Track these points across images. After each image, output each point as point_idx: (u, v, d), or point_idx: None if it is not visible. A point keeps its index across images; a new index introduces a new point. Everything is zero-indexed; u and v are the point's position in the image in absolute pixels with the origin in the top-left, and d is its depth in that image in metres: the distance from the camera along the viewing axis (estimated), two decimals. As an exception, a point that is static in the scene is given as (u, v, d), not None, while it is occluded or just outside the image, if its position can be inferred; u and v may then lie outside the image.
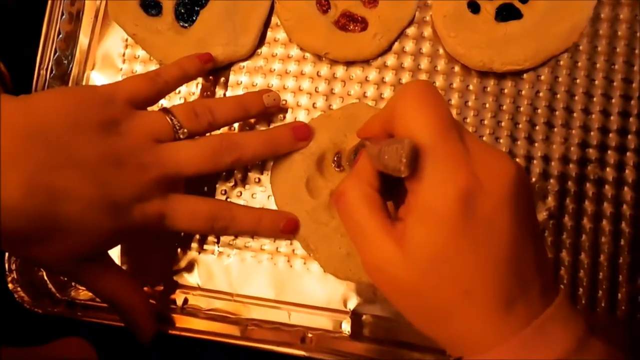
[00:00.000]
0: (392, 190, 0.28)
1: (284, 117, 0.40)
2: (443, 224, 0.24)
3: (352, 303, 0.37)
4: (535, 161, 0.38)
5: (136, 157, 0.32)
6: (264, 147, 0.36)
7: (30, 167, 0.28)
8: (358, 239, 0.27)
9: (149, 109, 0.35)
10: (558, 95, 0.38)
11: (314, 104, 0.40)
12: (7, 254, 0.38)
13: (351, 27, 0.39)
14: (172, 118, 0.33)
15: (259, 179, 0.39)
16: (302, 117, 0.39)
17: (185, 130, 0.33)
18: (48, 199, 0.29)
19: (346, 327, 0.37)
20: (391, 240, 0.25)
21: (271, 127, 0.39)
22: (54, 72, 0.40)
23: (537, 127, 0.38)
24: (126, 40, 0.41)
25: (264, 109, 0.37)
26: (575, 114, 0.38)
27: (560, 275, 0.37)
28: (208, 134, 0.36)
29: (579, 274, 0.37)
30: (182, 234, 0.39)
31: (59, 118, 0.30)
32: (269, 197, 0.39)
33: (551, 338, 0.24)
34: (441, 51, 0.39)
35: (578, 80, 0.38)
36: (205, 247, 0.39)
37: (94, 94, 0.32)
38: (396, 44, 0.39)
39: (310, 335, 0.36)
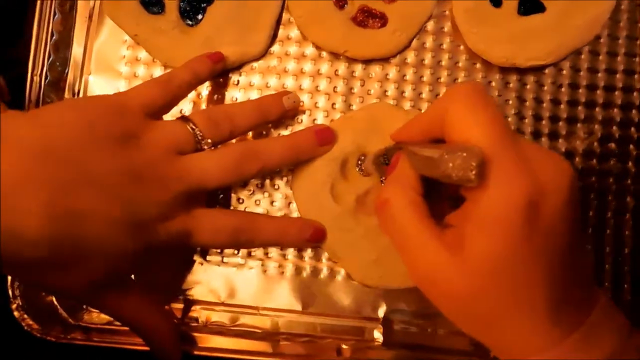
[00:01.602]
0: (428, 194, 0.27)
1: (301, 120, 0.38)
2: (507, 232, 0.23)
3: (382, 310, 0.36)
4: (559, 157, 0.37)
5: (157, 172, 0.29)
6: (287, 153, 0.34)
7: (46, 191, 0.26)
8: (405, 248, 0.26)
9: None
10: (580, 90, 0.38)
11: (333, 104, 0.38)
12: (9, 279, 0.35)
13: (370, 23, 0.37)
14: (194, 127, 0.31)
15: (278, 186, 0.37)
16: (321, 119, 0.38)
17: (209, 140, 0.31)
18: (68, 224, 0.26)
19: (378, 335, 0.36)
20: (443, 249, 0.24)
21: (292, 132, 0.37)
22: (48, 78, 0.36)
23: (560, 123, 0.38)
24: (125, 41, 0.38)
25: (284, 112, 0.35)
26: (597, 108, 0.38)
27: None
28: (227, 142, 0.33)
29: (604, 267, 0.37)
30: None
31: (72, 133, 0.27)
32: (289, 204, 0.37)
33: (598, 340, 0.24)
34: (461, 47, 0.38)
35: (599, 74, 0.38)
36: (225, 259, 0.37)
37: (107, 105, 0.29)
38: (415, 39, 0.38)
39: (344, 346, 0.35)
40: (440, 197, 0.29)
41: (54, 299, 0.36)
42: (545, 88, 0.38)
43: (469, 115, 0.24)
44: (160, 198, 0.29)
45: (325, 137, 0.35)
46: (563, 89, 0.38)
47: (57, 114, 0.28)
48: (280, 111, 0.35)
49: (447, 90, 0.26)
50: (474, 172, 0.22)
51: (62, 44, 0.37)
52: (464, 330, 0.26)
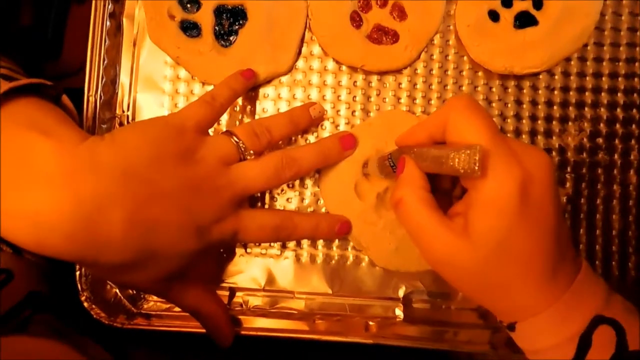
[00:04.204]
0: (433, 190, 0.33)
1: (325, 127, 0.43)
2: (506, 211, 0.28)
3: (402, 291, 0.42)
4: (553, 152, 0.42)
5: (212, 183, 0.35)
6: (317, 158, 0.39)
7: (129, 204, 0.31)
8: (421, 238, 0.31)
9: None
10: (570, 92, 0.43)
11: (353, 112, 0.43)
12: (77, 274, 0.40)
13: (384, 40, 0.42)
14: (237, 140, 0.36)
15: (307, 185, 0.43)
16: (343, 125, 0.43)
17: (252, 152, 0.36)
18: (145, 231, 0.32)
19: (399, 312, 0.41)
20: (454, 234, 0.30)
21: (318, 138, 0.42)
22: (102, 97, 0.41)
23: (554, 122, 0.43)
24: (166, 62, 0.43)
25: (312, 122, 0.41)
26: (586, 108, 0.43)
27: (579, 250, 0.42)
28: (267, 152, 0.39)
29: (595, 248, 0.42)
30: (240, 241, 0.42)
31: (144, 154, 0.32)
32: (317, 201, 0.42)
33: (585, 298, 0.30)
34: (465, 57, 0.43)
35: (587, 78, 0.43)
36: (263, 251, 0.42)
37: (168, 126, 0.34)
38: (423, 52, 0.43)
39: (371, 323, 0.40)
40: (443, 192, 0.34)
41: (117, 290, 0.41)
42: (540, 92, 0.43)
43: (468, 121, 0.30)
44: (214, 205, 0.35)
45: (348, 142, 0.40)
46: (556, 92, 0.43)
47: (130, 138, 0.33)
48: (308, 121, 0.40)
49: (447, 102, 0.31)
50: (477, 165, 0.27)
51: (112, 68, 0.42)
52: (474, 300, 0.32)
